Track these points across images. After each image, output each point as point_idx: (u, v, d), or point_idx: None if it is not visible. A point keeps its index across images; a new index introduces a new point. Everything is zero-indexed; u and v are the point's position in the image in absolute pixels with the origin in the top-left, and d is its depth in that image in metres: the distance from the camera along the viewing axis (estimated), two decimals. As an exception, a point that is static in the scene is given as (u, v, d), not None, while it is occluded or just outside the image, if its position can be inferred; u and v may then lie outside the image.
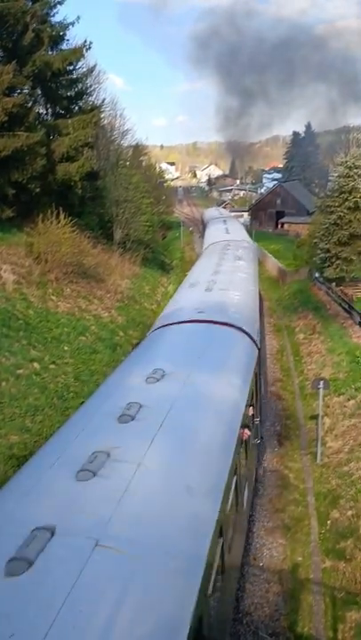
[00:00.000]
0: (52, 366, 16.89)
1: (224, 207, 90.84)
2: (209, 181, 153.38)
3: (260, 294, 23.02)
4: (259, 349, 12.21)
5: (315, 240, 34.04)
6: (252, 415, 9.90)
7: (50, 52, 29.19)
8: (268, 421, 17.25)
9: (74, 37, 32.45)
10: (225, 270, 18.79)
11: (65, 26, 30.38)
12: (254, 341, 11.87)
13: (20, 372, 15.74)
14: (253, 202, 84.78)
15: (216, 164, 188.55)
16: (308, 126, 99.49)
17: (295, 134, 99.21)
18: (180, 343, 10.44)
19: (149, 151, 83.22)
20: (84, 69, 33.18)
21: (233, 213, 69.69)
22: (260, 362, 13.38)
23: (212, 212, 58.33)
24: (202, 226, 55.01)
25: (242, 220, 65.00)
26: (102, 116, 38.73)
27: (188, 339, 10.65)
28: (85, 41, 30.41)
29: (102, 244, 33.53)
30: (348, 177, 31.25)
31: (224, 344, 10.58)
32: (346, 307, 26.77)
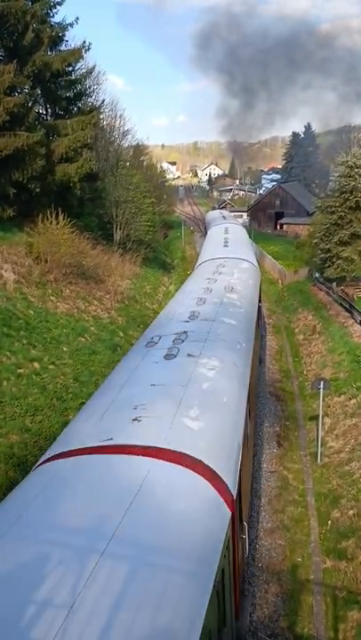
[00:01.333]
0: (51, 367, 16.87)
1: (224, 207, 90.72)
2: (209, 181, 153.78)
3: (262, 328, 19.31)
4: (237, 507, 6.80)
5: (315, 240, 34.02)
6: None
7: (49, 53, 29.26)
8: (268, 422, 17.23)
9: (73, 38, 32.78)
10: (207, 312, 12.51)
11: (64, 26, 30.47)
12: (228, 495, 6.29)
13: (21, 371, 15.73)
14: (253, 202, 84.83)
15: (216, 164, 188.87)
16: (308, 127, 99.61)
17: (295, 135, 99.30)
18: (59, 532, 5.00)
19: (150, 151, 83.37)
20: (84, 70, 33.29)
21: (233, 213, 69.55)
22: (241, 531, 7.58)
23: (214, 217, 50.15)
24: (204, 229, 54.52)
25: (241, 220, 64.73)
26: (102, 117, 38.84)
27: (84, 513, 5.21)
28: (84, 42, 30.58)
29: (102, 245, 33.55)
30: (350, 177, 31.22)
31: (159, 527, 5.19)
32: (347, 306, 26.75)
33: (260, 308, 19.68)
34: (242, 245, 27.01)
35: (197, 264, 23.43)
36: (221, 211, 62.40)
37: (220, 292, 14.90)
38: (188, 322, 11.63)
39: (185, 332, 10.59)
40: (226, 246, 25.28)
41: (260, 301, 19.85)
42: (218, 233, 32.22)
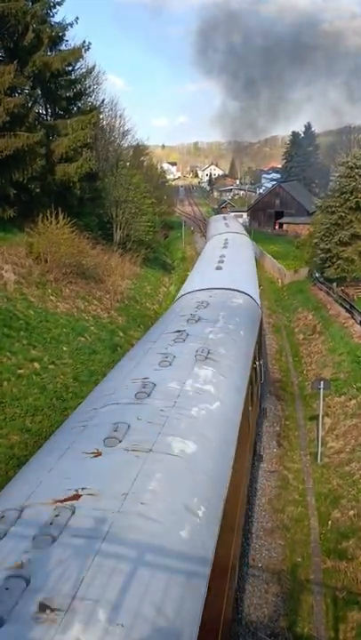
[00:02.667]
0: (51, 366, 16.88)
1: (224, 207, 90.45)
2: (210, 181, 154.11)
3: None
4: None
5: (315, 240, 34.04)
6: None
7: (49, 53, 29.28)
8: (268, 422, 17.24)
9: (73, 38, 32.79)
10: (146, 423, 6.51)
11: (64, 26, 30.50)
12: None
13: (21, 371, 15.73)
14: (253, 202, 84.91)
15: (216, 164, 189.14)
16: (308, 126, 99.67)
17: (295, 134, 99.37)
18: None
19: (151, 151, 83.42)
20: (83, 70, 33.32)
21: (233, 214, 69.29)
22: None
23: (215, 222, 40.23)
24: (204, 229, 53.74)
25: (241, 220, 64.59)
26: (101, 116, 38.88)
27: None
28: (84, 42, 30.63)
29: (102, 245, 33.57)
30: (350, 177, 31.24)
31: None
32: (347, 307, 26.75)
33: (259, 367, 13.82)
34: (241, 267, 20.19)
35: (178, 295, 16.93)
36: (225, 215, 51.46)
37: (186, 364, 8.59)
38: (102, 453, 5.70)
39: (76, 502, 4.84)
40: (219, 268, 18.76)
41: (259, 359, 14.15)
42: (214, 247, 25.30)
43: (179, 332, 10.62)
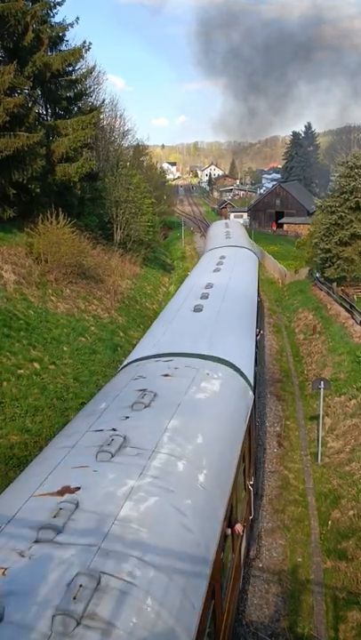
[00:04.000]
0: (51, 367, 16.88)
1: (224, 207, 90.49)
2: (210, 181, 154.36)
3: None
4: None
5: (315, 240, 34.02)
6: None
7: (49, 53, 29.28)
8: (268, 422, 17.24)
9: (73, 38, 32.83)
10: None
11: (64, 27, 30.51)
12: None
13: (21, 371, 15.72)
14: (253, 202, 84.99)
15: (216, 165, 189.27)
16: (309, 126, 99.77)
17: (295, 134, 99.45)
18: None
19: (151, 151, 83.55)
20: (84, 70, 33.30)
21: (232, 214, 69.31)
22: None
23: (215, 228, 35.45)
24: (205, 229, 53.67)
25: (241, 220, 64.56)
26: (102, 117, 38.88)
27: None
28: (85, 42, 30.64)
29: (102, 245, 33.58)
30: (350, 177, 31.21)
31: None
32: (347, 306, 26.74)
33: (250, 487, 9.53)
34: (232, 309, 13.02)
35: (126, 361, 10.39)
36: (228, 222, 43.70)
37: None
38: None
39: None
40: (198, 310, 12.33)
41: (249, 478, 9.42)
42: (203, 271, 18.94)
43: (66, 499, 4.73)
